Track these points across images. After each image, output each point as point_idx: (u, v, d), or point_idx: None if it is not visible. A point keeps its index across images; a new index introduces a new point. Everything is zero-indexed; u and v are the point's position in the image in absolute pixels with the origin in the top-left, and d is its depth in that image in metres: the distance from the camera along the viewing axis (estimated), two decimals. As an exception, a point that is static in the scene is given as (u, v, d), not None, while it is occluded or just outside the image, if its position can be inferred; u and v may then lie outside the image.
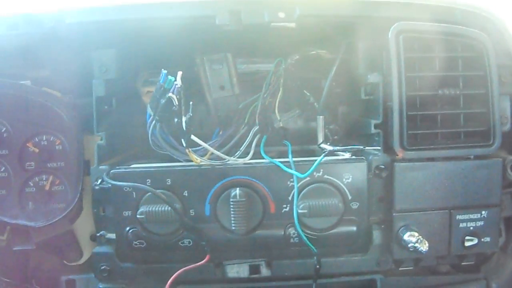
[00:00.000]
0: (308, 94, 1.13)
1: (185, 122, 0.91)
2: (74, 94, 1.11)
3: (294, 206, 0.94)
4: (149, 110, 0.95)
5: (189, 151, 0.93)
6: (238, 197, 0.94)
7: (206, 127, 1.16)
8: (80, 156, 1.08)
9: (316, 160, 0.95)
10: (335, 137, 1.14)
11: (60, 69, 1.09)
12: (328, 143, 1.05)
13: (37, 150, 1.10)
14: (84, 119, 1.10)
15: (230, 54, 1.11)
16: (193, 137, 0.93)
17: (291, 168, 0.95)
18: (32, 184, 1.10)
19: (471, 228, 1.00)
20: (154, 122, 0.94)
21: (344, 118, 1.19)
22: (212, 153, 0.97)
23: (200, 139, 0.96)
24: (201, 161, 0.95)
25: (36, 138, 1.11)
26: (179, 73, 0.92)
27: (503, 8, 1.07)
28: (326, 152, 0.95)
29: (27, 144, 1.11)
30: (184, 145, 0.92)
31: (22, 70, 1.12)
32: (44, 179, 1.10)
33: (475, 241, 1.01)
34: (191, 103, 0.92)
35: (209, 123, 1.15)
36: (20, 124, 1.11)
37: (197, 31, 1.02)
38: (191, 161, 0.95)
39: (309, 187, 0.96)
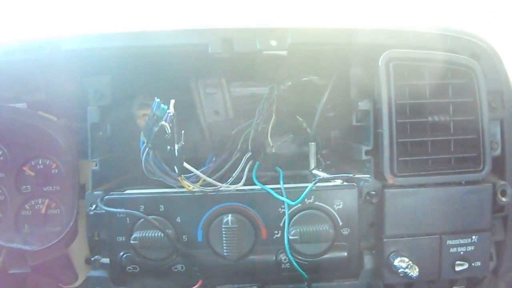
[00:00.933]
0: (300, 119, 1.14)
1: (178, 149, 0.92)
2: (69, 118, 1.12)
3: (285, 233, 0.95)
4: (142, 137, 0.96)
5: (181, 179, 0.94)
6: (230, 223, 0.95)
7: (201, 151, 1.17)
8: (75, 180, 1.09)
9: (307, 186, 0.95)
10: (328, 162, 1.15)
11: (56, 94, 1.10)
12: (320, 169, 1.06)
13: (33, 174, 1.12)
14: (79, 143, 1.11)
15: (224, 79, 1.12)
16: (185, 164, 0.94)
17: (282, 195, 0.96)
18: (28, 208, 1.12)
19: (462, 253, 1.01)
20: (147, 149, 0.95)
21: (337, 142, 1.20)
22: (205, 180, 0.98)
23: (194, 164, 0.97)
24: (193, 188, 0.96)
25: (32, 162, 1.13)
26: (172, 102, 0.93)
27: (494, 34, 1.08)
28: (316, 180, 0.96)
29: (24, 168, 1.13)
30: (177, 172, 0.93)
31: (17, 94, 1.13)
32: (40, 202, 1.12)
33: (466, 265, 1.01)
34: (183, 131, 0.93)
35: (204, 147, 1.16)
36: (16, 148, 1.13)
37: (191, 58, 1.03)
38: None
39: (300, 213, 0.97)
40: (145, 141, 0.96)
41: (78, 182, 1.09)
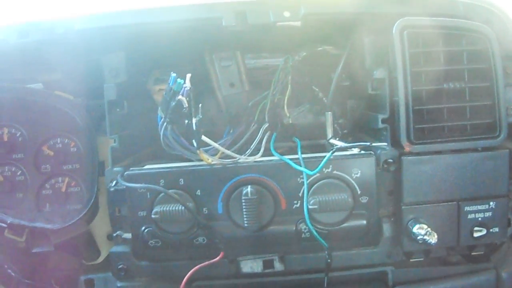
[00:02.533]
0: (316, 89, 1.14)
1: (195, 123, 0.93)
2: (86, 96, 1.13)
3: (305, 202, 0.96)
4: (160, 112, 0.97)
5: (200, 152, 0.95)
6: (249, 194, 0.96)
7: (218, 124, 1.18)
8: (94, 157, 1.11)
9: (325, 156, 0.96)
10: (345, 131, 1.16)
11: (71, 73, 1.12)
12: (337, 138, 1.07)
13: (52, 153, 1.14)
14: (97, 120, 1.12)
15: (239, 51, 1.13)
16: (203, 137, 0.94)
17: (300, 165, 0.96)
18: (48, 187, 1.13)
19: (479, 219, 1.02)
20: (165, 124, 0.96)
21: (353, 111, 1.20)
22: (223, 152, 0.99)
23: (212, 137, 0.98)
24: (212, 161, 0.97)
25: (51, 141, 1.14)
26: (188, 76, 0.94)
27: (506, -1, 1.08)
28: (334, 149, 0.97)
29: (42, 148, 1.14)
30: (195, 145, 0.94)
31: (33, 74, 1.14)
32: (60, 181, 1.14)
33: (484, 231, 1.02)
34: (200, 105, 0.93)
35: (221, 120, 1.17)
36: (34, 128, 1.14)
37: (205, 32, 1.03)
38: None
39: (319, 183, 0.98)
40: (163, 116, 0.96)
41: (97, 159, 1.11)
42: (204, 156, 0.96)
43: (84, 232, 1.09)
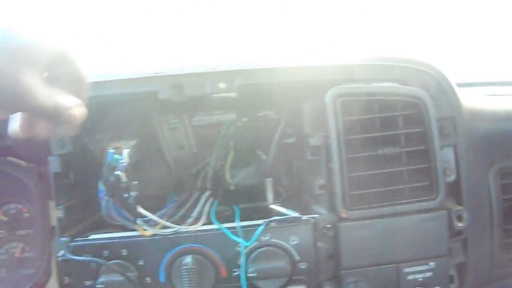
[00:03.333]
0: (260, 153, 1.15)
1: (132, 197, 0.95)
2: (37, 163, 1.16)
3: (242, 272, 0.98)
4: (100, 186, 0.99)
5: (137, 226, 0.97)
6: (189, 264, 0.98)
7: (168, 187, 1.20)
8: (46, 223, 1.13)
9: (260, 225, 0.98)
10: (289, 192, 1.17)
11: (22, 140, 1.13)
12: (278, 204, 1.08)
13: (6, 219, 1.16)
14: (48, 186, 1.14)
15: (186, 115, 1.15)
16: (141, 210, 0.97)
17: (238, 235, 0.98)
18: (3, 252, 1.16)
19: (420, 279, 1.03)
20: (106, 197, 0.99)
21: (299, 171, 1.21)
22: (168, 219, 1.01)
23: (161, 201, 1.01)
24: (151, 232, 1.00)
25: (5, 207, 1.17)
26: (125, 151, 0.96)
27: (444, 59, 1.09)
28: (267, 221, 0.99)
29: (-3, 213, 1.17)
30: (132, 220, 0.97)
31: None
32: (14, 246, 1.16)
33: (425, 291, 1.03)
34: (135, 182, 0.96)
35: (171, 183, 1.19)
36: (-11, 194, 1.17)
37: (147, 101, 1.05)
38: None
39: (257, 251, 1.00)
40: (104, 189, 0.99)
41: (49, 225, 1.13)
42: (141, 229, 0.98)
43: (37, 299, 1.11)
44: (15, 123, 0.77)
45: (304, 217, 1.02)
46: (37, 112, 0.73)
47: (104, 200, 1.00)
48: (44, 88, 0.69)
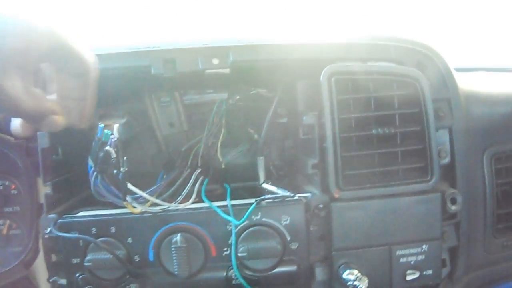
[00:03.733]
0: (252, 131, 1.14)
1: (121, 174, 0.94)
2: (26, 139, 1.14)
3: (232, 251, 0.97)
4: (90, 162, 0.97)
5: (126, 203, 0.96)
6: (178, 243, 0.97)
7: (158, 164, 1.18)
8: (34, 200, 1.11)
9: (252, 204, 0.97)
10: (280, 172, 1.16)
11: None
12: (270, 182, 1.06)
13: (-7, 195, 1.14)
14: (36, 162, 1.12)
15: (178, 92, 1.13)
16: (131, 186, 0.96)
17: (229, 214, 0.97)
18: (-10, 229, 1.14)
19: (412, 262, 1.02)
20: (95, 173, 0.97)
21: (290, 152, 1.20)
22: (158, 197, 1.00)
23: (151, 179, 1.00)
24: (141, 210, 0.98)
25: (-8, 183, 1.15)
26: (115, 126, 0.95)
27: (440, 39, 1.07)
28: (259, 200, 0.97)
29: (-17, 190, 1.15)
30: (121, 197, 0.95)
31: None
32: (1, 223, 1.14)
33: (417, 274, 1.02)
34: (125, 158, 0.94)
35: (161, 160, 1.18)
36: (-25, 170, 1.14)
37: (139, 76, 1.04)
38: (136, 207, 0.99)
39: (248, 230, 0.98)
40: (93, 165, 0.97)
41: (37, 202, 1.11)
42: (131, 206, 0.97)
43: (23, 276, 1.09)
44: (16, 122, 0.79)
45: (296, 197, 1.00)
46: (22, 116, 0.75)
47: (93, 176, 0.98)
48: (29, 93, 0.71)
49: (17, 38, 0.68)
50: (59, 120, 0.79)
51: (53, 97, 0.83)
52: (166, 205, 1.00)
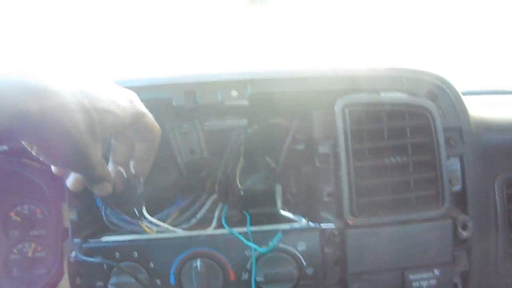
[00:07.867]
0: (269, 160, 1.17)
1: (138, 194, 0.99)
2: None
3: (252, 277, 1.00)
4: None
5: (142, 223, 1.00)
6: (199, 267, 1.01)
7: (179, 190, 1.22)
8: (59, 223, 1.15)
9: (273, 229, 1.04)
10: (297, 199, 1.20)
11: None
12: (286, 210, 1.10)
13: (19, 219, 1.19)
14: (61, 187, 1.17)
15: (198, 120, 1.17)
16: (145, 213, 1.01)
17: (249, 239, 1.01)
18: (16, 252, 1.18)
19: (424, 286, 1.05)
20: (103, 207, 1.03)
21: (308, 178, 1.23)
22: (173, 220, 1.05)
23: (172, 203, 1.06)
24: (155, 231, 1.04)
25: (18, 208, 1.19)
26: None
27: (451, 67, 1.11)
28: (280, 232, 1.02)
29: (10, 213, 1.19)
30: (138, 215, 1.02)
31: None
32: (27, 246, 1.19)
33: (429, 298, 1.05)
34: (141, 179, 0.98)
35: (182, 186, 1.21)
36: (2, 194, 1.19)
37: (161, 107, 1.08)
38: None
39: (265, 256, 1.02)
40: (100, 201, 1.03)
41: (62, 226, 1.16)
42: (146, 227, 1.02)
43: (48, 298, 1.13)
44: (71, 179, 0.91)
45: (312, 225, 1.04)
46: (86, 178, 0.85)
47: (102, 209, 1.04)
48: (101, 161, 0.81)
49: (111, 115, 0.74)
50: (108, 187, 0.89)
51: (110, 165, 0.92)
52: (186, 231, 1.03)
